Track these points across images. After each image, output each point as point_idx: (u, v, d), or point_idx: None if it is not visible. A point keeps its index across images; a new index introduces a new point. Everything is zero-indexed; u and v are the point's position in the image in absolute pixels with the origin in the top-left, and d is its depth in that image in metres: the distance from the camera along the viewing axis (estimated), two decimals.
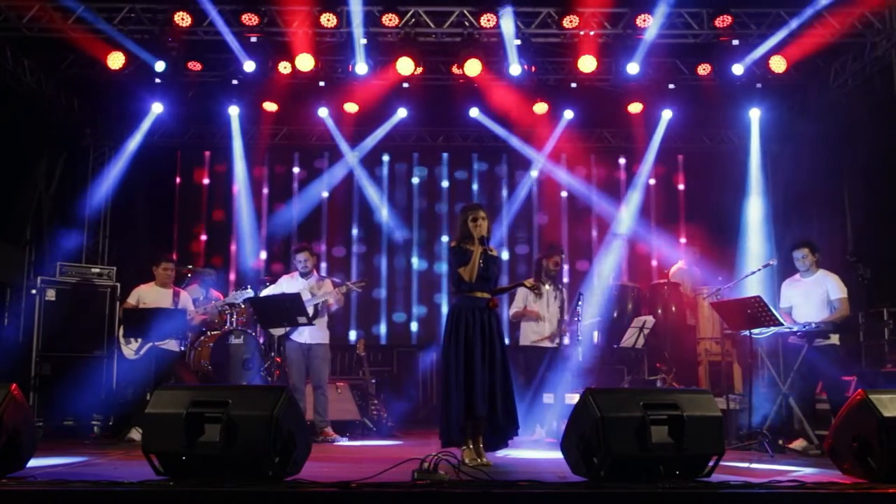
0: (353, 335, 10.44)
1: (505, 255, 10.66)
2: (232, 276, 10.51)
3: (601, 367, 8.08)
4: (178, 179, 10.90)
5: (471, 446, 5.14)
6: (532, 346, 7.45)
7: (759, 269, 7.36)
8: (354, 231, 10.91)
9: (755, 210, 9.59)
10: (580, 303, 7.41)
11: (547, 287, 7.44)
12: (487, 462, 5.08)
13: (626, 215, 10.45)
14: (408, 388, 10.10)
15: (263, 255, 10.69)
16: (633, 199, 10.49)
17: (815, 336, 6.35)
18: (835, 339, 6.46)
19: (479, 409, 5.07)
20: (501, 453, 5.50)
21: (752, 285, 7.59)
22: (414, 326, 10.77)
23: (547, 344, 7.38)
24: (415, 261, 10.84)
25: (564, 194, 10.99)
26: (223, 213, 10.76)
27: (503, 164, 11.08)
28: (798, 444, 6.33)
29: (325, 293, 7.27)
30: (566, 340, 7.37)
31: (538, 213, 11.04)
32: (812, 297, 6.59)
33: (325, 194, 10.89)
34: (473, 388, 5.09)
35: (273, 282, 7.82)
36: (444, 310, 10.29)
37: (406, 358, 10.53)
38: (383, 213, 10.87)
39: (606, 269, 9.58)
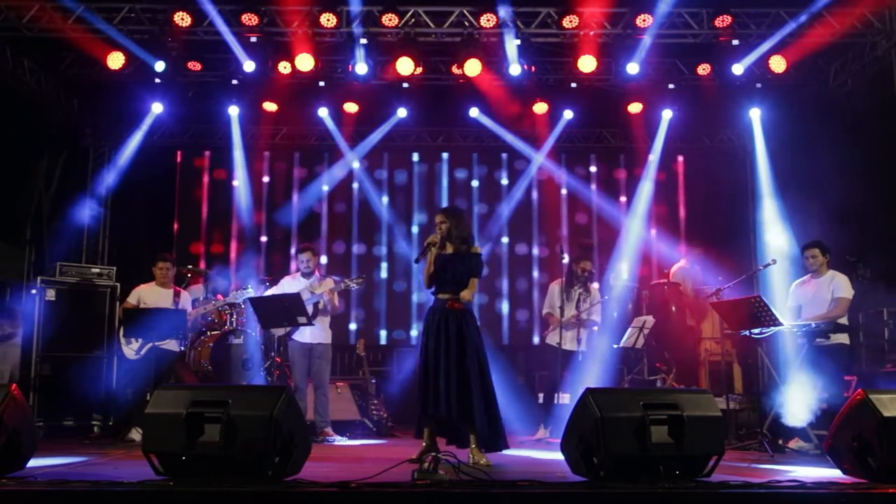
0: (353, 334, 10.43)
1: (504, 240, 10.67)
2: (231, 276, 10.49)
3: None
4: (178, 179, 10.90)
5: (425, 443, 5.30)
6: (555, 347, 7.38)
7: (760, 269, 7.36)
8: (354, 231, 10.90)
9: (763, 210, 9.57)
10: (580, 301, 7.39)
11: (577, 290, 7.43)
12: (488, 462, 5.08)
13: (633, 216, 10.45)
14: (407, 388, 10.08)
15: (263, 254, 10.69)
16: (643, 197, 10.43)
17: (816, 335, 6.33)
18: (843, 338, 6.39)
19: (429, 408, 5.22)
20: (503, 452, 5.46)
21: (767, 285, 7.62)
22: (414, 328, 10.76)
23: (568, 346, 7.37)
24: (413, 260, 10.83)
25: (564, 194, 10.99)
26: (223, 213, 10.74)
27: (503, 164, 11.08)
28: (798, 443, 6.33)
29: (322, 291, 7.22)
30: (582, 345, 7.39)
31: (538, 212, 11.04)
32: (820, 297, 6.53)
33: (325, 188, 10.88)
34: (427, 388, 5.25)
35: (273, 282, 7.80)
36: None
37: (406, 358, 10.51)
38: (383, 213, 10.87)
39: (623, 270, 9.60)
